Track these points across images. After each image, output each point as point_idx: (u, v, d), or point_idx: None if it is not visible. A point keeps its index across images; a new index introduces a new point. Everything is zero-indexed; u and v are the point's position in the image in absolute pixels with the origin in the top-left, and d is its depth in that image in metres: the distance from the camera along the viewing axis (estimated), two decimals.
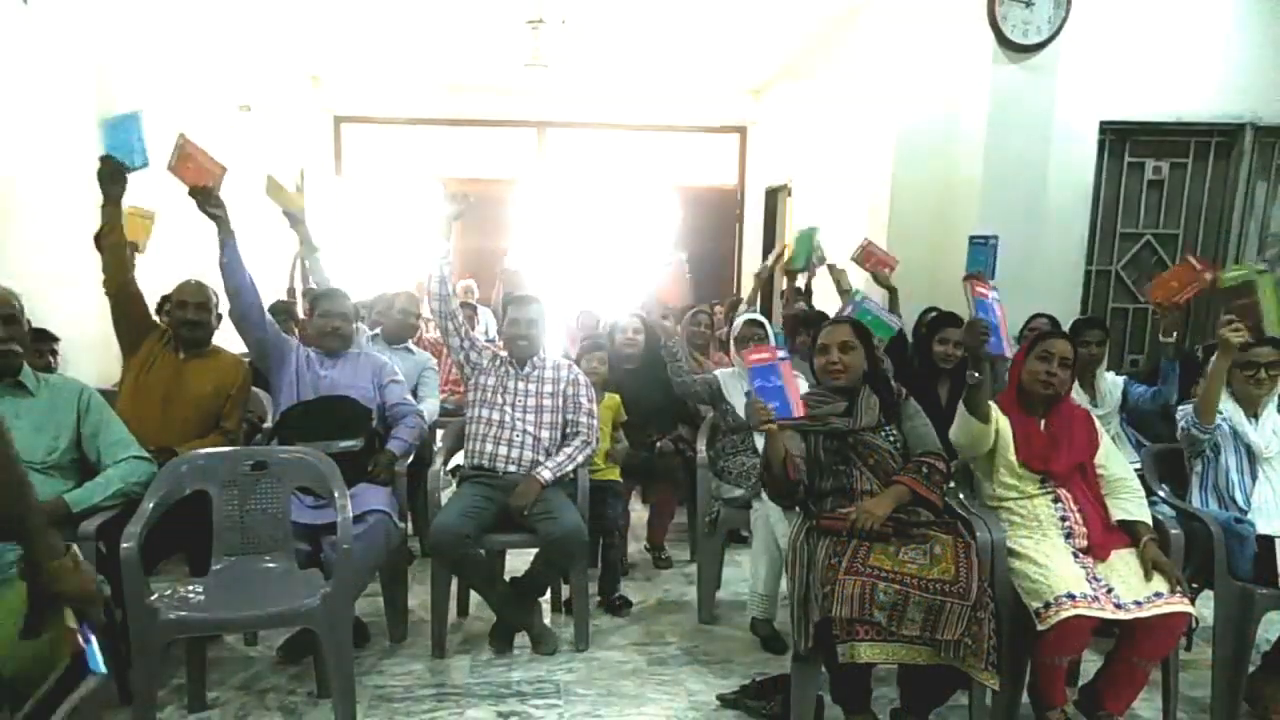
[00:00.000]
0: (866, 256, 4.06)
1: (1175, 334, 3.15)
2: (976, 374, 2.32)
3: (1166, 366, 3.17)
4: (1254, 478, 2.61)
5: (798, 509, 2.42)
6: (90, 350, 3.45)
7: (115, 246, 2.75)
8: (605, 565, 3.27)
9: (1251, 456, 2.63)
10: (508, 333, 3.08)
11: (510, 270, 5.21)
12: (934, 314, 3.52)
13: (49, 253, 3.42)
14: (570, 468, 2.93)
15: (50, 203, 3.56)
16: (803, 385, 3.19)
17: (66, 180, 3.69)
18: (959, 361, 3.23)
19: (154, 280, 2.97)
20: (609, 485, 3.25)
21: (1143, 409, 3.27)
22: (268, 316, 2.89)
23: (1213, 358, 2.64)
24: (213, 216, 2.72)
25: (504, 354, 3.08)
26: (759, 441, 2.89)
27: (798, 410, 2.27)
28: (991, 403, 2.42)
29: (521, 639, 2.92)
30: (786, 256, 4.42)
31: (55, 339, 3.22)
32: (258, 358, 2.94)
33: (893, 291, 4.03)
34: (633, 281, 5.62)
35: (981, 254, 3.57)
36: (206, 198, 2.70)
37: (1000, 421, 2.43)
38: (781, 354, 2.35)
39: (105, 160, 2.66)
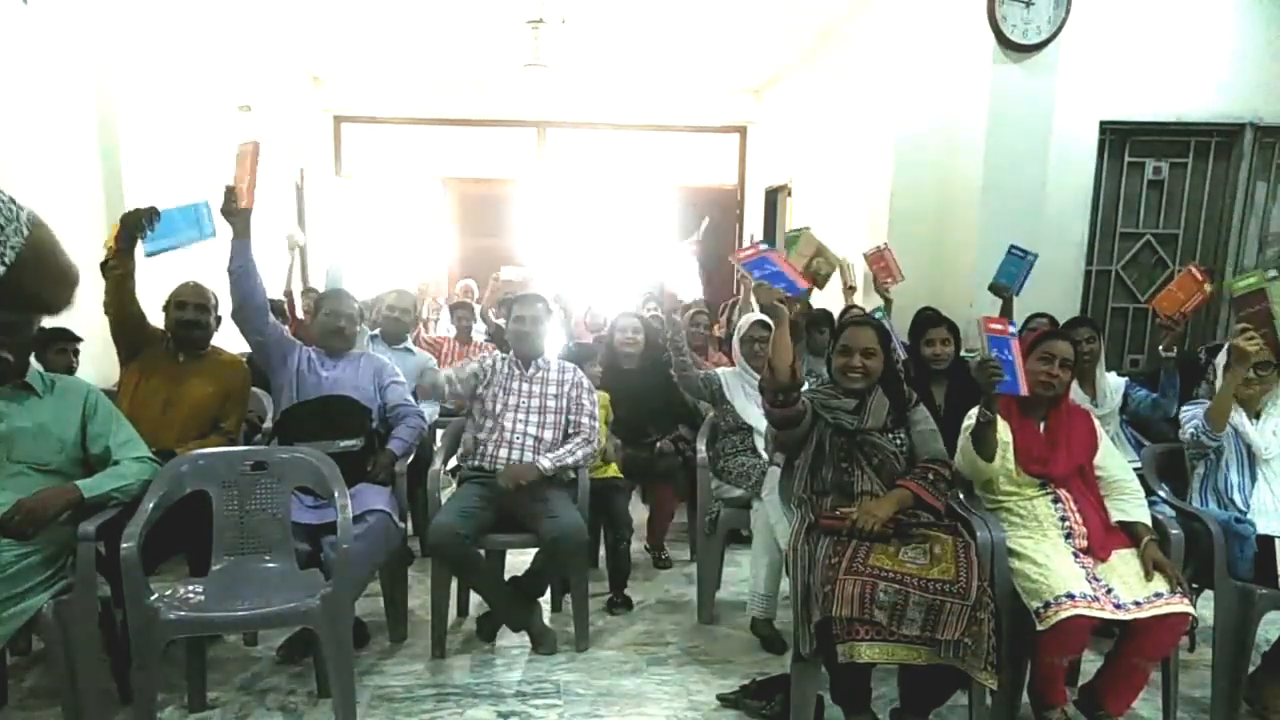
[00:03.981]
0: (876, 259, 3.99)
1: (1175, 349, 3.14)
2: (989, 412, 2.31)
3: (1166, 381, 3.16)
4: (1253, 479, 2.61)
5: (795, 508, 2.42)
6: (90, 351, 3.45)
7: (121, 278, 2.75)
8: (616, 563, 3.26)
9: (1252, 458, 2.62)
10: (512, 330, 3.08)
11: (504, 281, 5.21)
12: (925, 314, 3.52)
13: None
14: (569, 461, 2.92)
15: (50, 202, 3.56)
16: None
17: (67, 179, 3.70)
18: (952, 362, 3.23)
19: (154, 282, 2.97)
20: (612, 483, 3.25)
21: (1142, 415, 3.27)
22: (271, 318, 2.89)
23: (1215, 359, 2.63)
24: (230, 221, 2.74)
25: (503, 354, 3.08)
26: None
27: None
28: (1001, 427, 2.40)
29: (521, 639, 2.92)
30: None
31: (78, 339, 3.21)
32: (259, 358, 2.94)
33: (888, 303, 4.00)
34: (640, 276, 5.63)
35: (1016, 266, 3.53)
36: (234, 203, 2.72)
37: (1001, 433, 2.42)
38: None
39: (148, 213, 2.66)
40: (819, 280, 3.71)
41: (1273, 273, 2.84)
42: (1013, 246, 3.60)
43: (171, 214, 2.73)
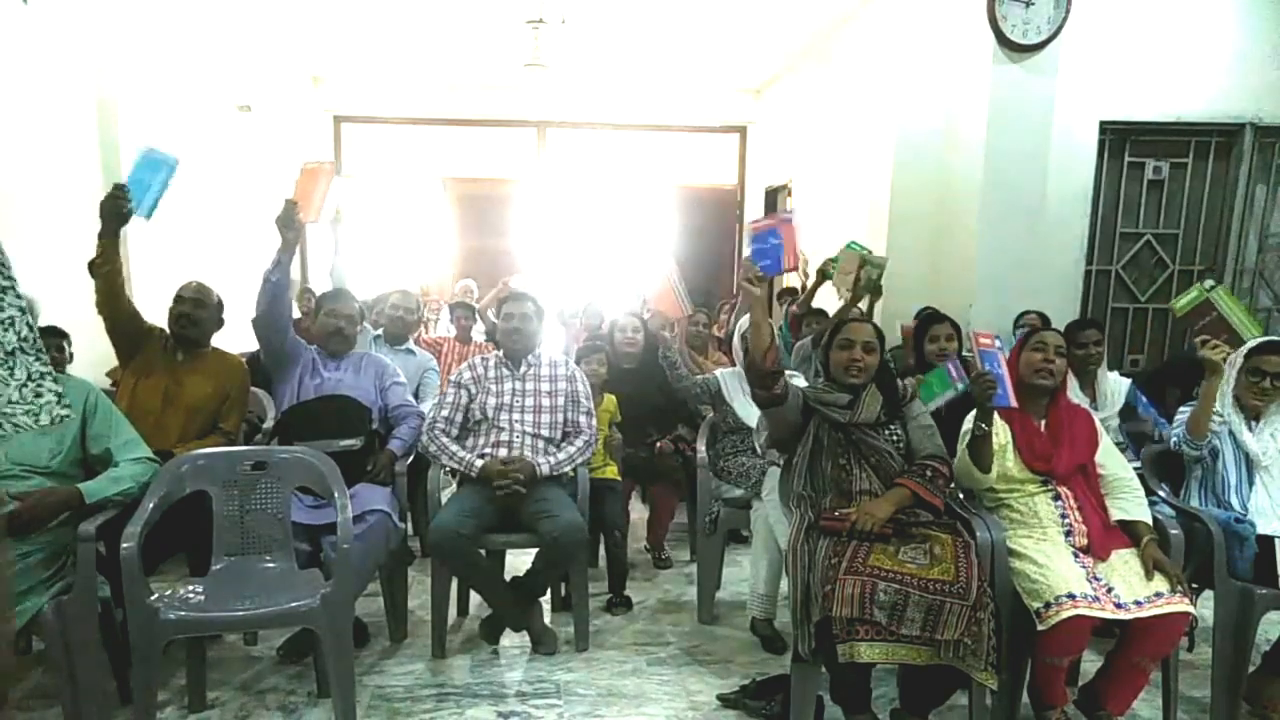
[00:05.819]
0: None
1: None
2: (984, 425, 2.34)
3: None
4: (1251, 483, 2.59)
5: (794, 507, 2.42)
6: (91, 350, 3.46)
7: (109, 275, 2.72)
8: (611, 563, 3.26)
9: (1249, 462, 2.60)
10: (502, 328, 3.08)
11: (514, 289, 5.20)
12: (927, 313, 3.52)
13: (51, 250, 3.42)
14: (569, 468, 2.93)
15: (51, 200, 3.56)
16: (800, 380, 3.21)
17: (67, 178, 3.70)
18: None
19: (152, 283, 2.97)
20: (606, 484, 3.25)
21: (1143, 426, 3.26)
22: (292, 332, 2.91)
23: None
24: (283, 234, 2.75)
25: (497, 354, 3.08)
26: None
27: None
28: (1000, 428, 2.41)
29: (521, 639, 2.92)
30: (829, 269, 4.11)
31: (65, 335, 3.20)
32: (270, 365, 2.95)
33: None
34: (626, 284, 5.65)
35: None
36: (290, 216, 2.73)
37: (1000, 435, 2.42)
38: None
39: (118, 191, 2.61)
40: (871, 286, 3.49)
41: (1209, 283, 2.95)
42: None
43: (136, 175, 2.66)
